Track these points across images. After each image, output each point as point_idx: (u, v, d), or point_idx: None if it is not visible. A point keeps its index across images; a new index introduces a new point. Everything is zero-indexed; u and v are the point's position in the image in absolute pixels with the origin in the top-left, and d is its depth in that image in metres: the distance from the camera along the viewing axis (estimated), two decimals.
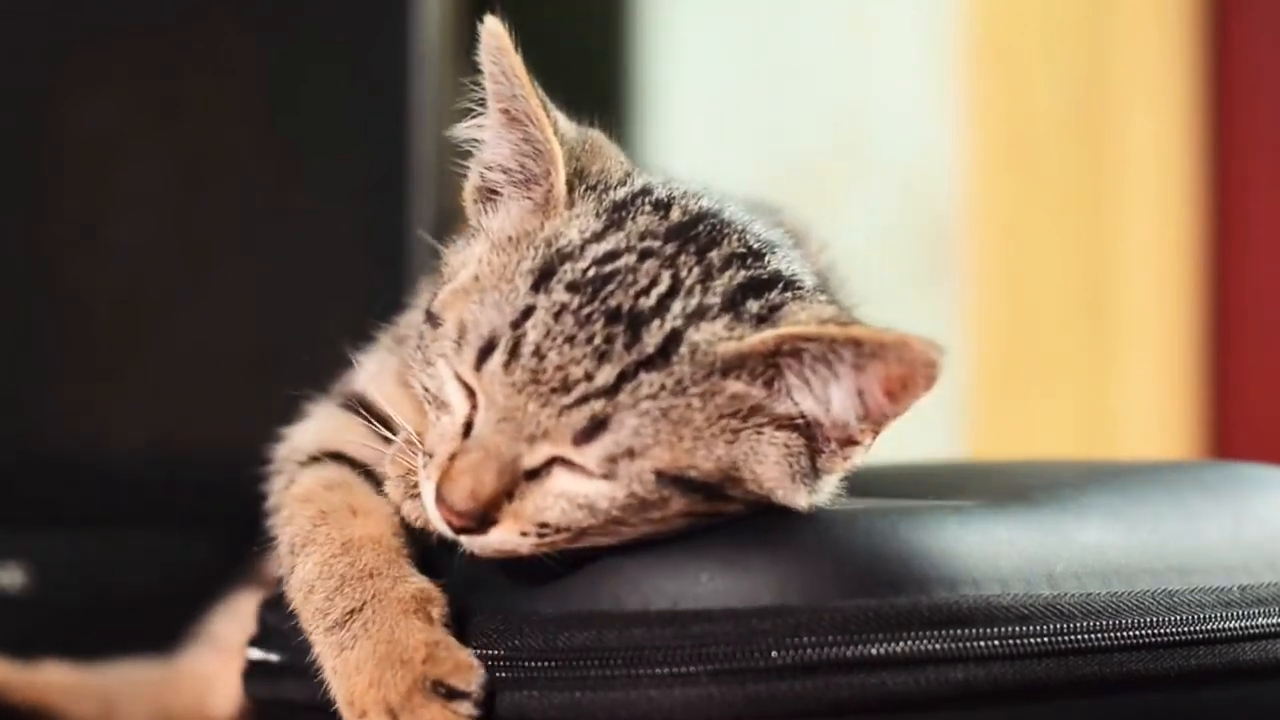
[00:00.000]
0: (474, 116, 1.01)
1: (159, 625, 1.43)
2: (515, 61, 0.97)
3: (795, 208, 1.16)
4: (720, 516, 0.93)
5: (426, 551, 0.99)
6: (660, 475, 0.91)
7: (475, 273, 0.97)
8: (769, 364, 0.93)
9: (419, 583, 0.96)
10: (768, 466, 0.93)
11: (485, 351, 0.92)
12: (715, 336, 0.92)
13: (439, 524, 0.93)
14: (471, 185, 1.02)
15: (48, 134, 1.69)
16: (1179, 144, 2.45)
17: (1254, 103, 2.47)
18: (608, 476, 0.91)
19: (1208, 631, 0.97)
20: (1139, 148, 2.42)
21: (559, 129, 0.99)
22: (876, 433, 0.94)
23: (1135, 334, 2.43)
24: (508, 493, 0.91)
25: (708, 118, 2.34)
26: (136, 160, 1.68)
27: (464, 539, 0.93)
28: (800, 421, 0.94)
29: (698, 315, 0.92)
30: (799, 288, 0.96)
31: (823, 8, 2.36)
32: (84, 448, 1.68)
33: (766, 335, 0.92)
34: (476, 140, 1.01)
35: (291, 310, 1.68)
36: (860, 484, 1.04)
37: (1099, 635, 0.94)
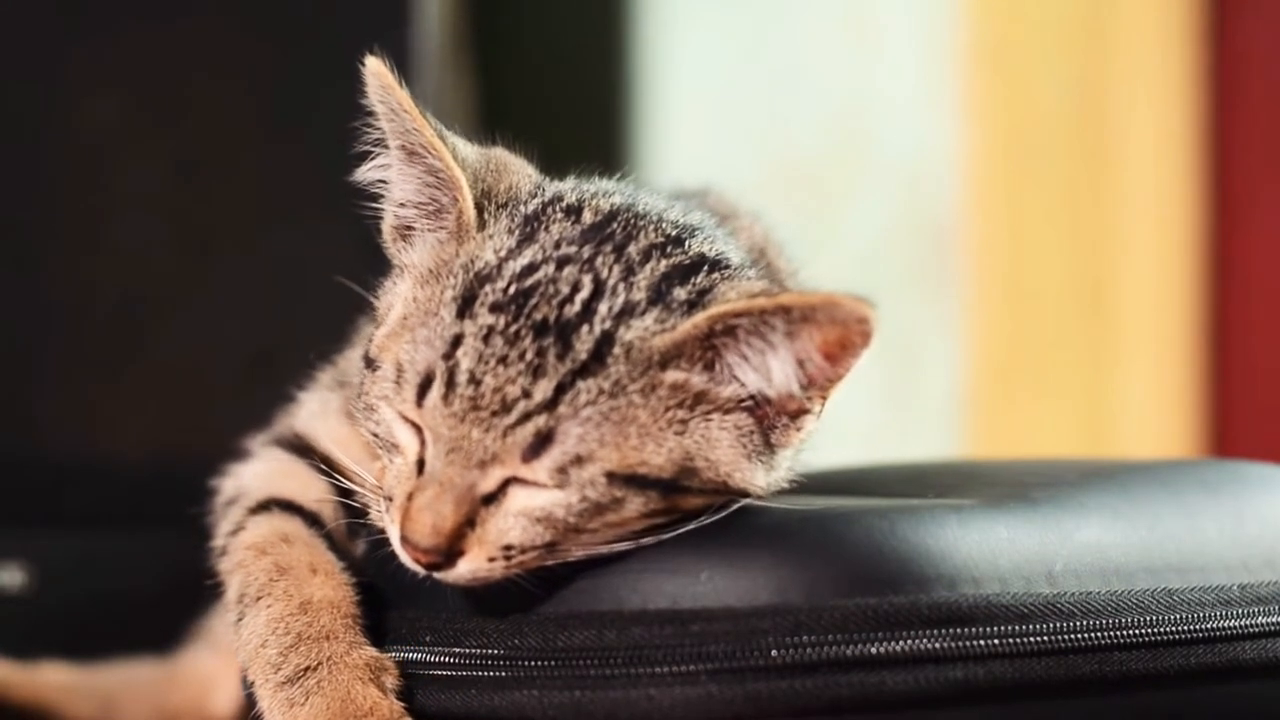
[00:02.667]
0: (375, 158, 1.01)
1: (159, 625, 1.43)
2: (403, 96, 0.98)
3: (725, 191, 1.16)
4: (682, 514, 0.93)
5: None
6: (611, 476, 0.91)
7: (403, 311, 0.97)
8: (706, 348, 0.93)
9: (372, 651, 0.96)
10: (722, 450, 0.93)
11: (423, 387, 0.92)
12: (647, 331, 0.92)
13: (409, 563, 0.93)
14: (388, 225, 1.02)
15: (48, 134, 1.69)
16: (1179, 143, 2.45)
17: (1253, 102, 2.47)
18: (560, 486, 0.91)
19: (1207, 630, 0.97)
20: (1139, 147, 2.42)
21: (458, 154, 0.99)
22: (824, 398, 0.94)
23: (1135, 333, 2.42)
24: (469, 522, 0.92)
25: (707, 117, 2.34)
26: (137, 160, 1.68)
27: (436, 574, 0.93)
28: (748, 401, 0.94)
29: (626, 313, 0.92)
30: (725, 267, 0.97)
31: (822, 7, 2.36)
32: (84, 448, 1.68)
33: (698, 319, 0.92)
34: (383, 181, 1.02)
35: (291, 310, 1.68)
36: (861, 484, 1.04)
37: (1098, 634, 0.94)
